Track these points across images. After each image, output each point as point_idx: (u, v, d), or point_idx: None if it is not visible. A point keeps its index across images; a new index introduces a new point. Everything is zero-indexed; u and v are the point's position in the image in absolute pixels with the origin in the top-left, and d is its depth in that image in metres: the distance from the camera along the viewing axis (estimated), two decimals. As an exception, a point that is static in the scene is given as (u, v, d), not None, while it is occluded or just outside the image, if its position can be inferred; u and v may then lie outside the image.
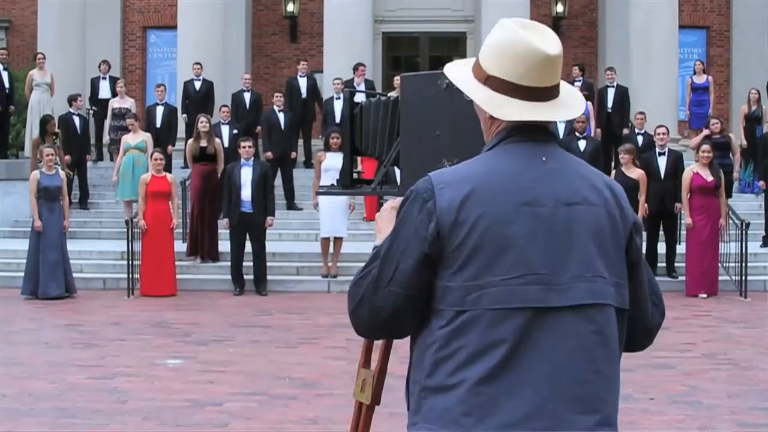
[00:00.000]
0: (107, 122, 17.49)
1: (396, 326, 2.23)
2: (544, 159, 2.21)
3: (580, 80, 17.59)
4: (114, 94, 17.88)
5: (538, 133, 2.24)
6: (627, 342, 2.28)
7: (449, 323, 2.11)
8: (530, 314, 2.08)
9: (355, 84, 16.63)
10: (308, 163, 17.63)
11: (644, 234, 2.05)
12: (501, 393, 2.07)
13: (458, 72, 2.37)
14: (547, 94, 2.23)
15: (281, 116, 16.42)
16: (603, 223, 2.19)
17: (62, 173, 12.89)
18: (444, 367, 2.12)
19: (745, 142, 16.55)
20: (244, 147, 12.54)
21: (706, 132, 15.16)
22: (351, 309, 2.27)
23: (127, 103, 17.32)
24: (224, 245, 13.12)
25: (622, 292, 2.20)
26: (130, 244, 12.55)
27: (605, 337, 2.14)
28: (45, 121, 15.74)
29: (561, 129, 15.38)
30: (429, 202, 2.16)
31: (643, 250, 2.52)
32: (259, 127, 16.60)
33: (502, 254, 2.10)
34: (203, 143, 13.85)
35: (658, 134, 13.39)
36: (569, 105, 2.29)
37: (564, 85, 2.31)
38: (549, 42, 2.22)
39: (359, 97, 3.56)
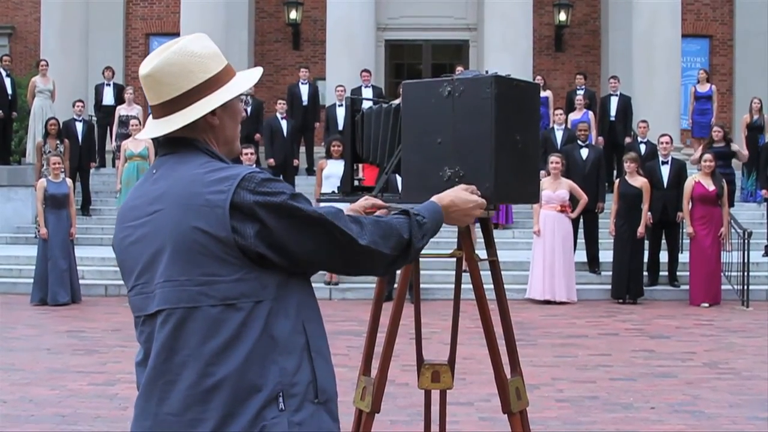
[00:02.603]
0: (114, 129, 17.49)
1: None
2: (154, 171, 2.32)
3: (582, 88, 17.58)
4: (117, 101, 17.89)
5: (168, 146, 2.33)
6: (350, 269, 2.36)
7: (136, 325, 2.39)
8: (142, 320, 2.31)
9: (362, 90, 16.67)
10: (310, 171, 17.64)
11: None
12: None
13: None
14: (162, 110, 2.31)
15: (284, 123, 16.45)
16: (176, 224, 2.18)
17: (69, 181, 12.88)
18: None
19: (746, 152, 16.51)
20: (246, 154, 12.51)
21: (697, 155, 15.00)
22: None
23: (135, 110, 17.28)
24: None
25: (215, 288, 2.17)
26: (131, 250, 12.54)
27: (180, 341, 2.21)
28: (46, 121, 15.80)
29: (559, 137, 15.39)
30: None
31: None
32: (257, 135, 16.60)
33: (124, 269, 2.35)
34: (205, 150, 13.85)
35: (662, 143, 13.37)
36: (171, 122, 2.30)
37: (189, 101, 2.30)
38: (148, 62, 2.32)
39: (368, 104, 3.55)
